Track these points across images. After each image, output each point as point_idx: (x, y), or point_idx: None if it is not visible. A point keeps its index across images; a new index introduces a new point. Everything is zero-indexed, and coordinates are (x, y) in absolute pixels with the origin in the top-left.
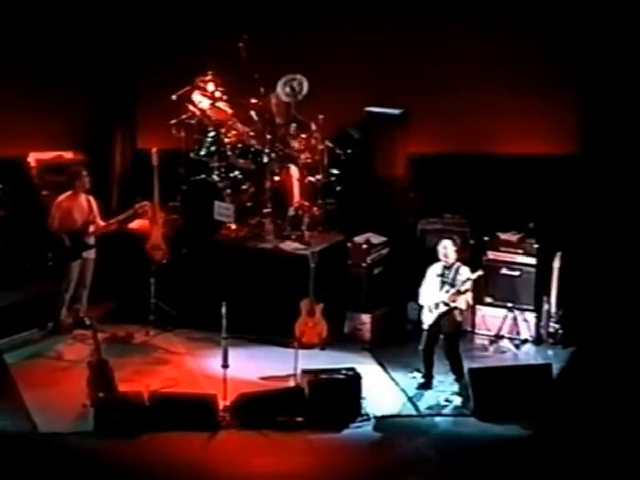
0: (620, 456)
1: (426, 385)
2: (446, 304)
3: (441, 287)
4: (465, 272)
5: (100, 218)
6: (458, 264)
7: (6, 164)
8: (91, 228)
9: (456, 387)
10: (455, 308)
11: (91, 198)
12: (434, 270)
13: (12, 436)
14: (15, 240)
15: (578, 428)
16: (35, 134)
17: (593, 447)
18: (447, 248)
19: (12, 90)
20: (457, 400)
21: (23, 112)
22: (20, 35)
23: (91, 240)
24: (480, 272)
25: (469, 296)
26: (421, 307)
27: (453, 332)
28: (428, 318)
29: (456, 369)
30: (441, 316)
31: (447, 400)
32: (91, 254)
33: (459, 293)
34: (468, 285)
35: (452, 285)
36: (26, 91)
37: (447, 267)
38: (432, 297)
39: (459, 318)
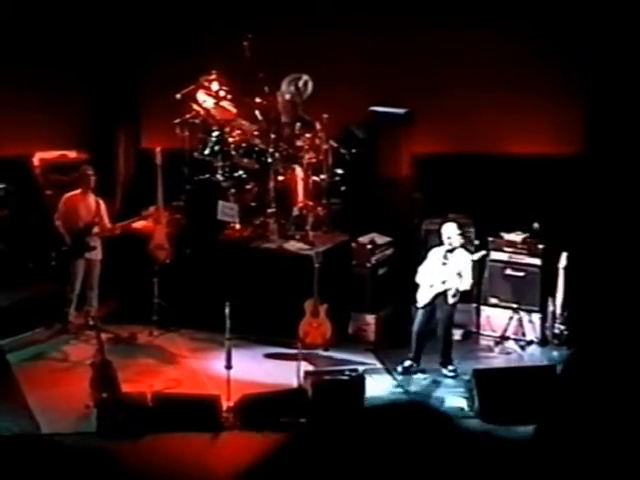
0: (624, 457)
1: (410, 368)
2: (445, 283)
3: (442, 270)
4: (466, 256)
5: (109, 222)
6: (460, 249)
7: (9, 163)
8: (95, 229)
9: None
10: (457, 290)
11: (100, 200)
12: (436, 253)
13: (15, 436)
14: (18, 239)
15: (583, 430)
16: (38, 133)
17: (597, 449)
18: (451, 232)
19: (15, 89)
20: (462, 401)
21: (26, 111)
22: (23, 35)
23: (93, 241)
24: (483, 252)
25: (469, 277)
26: (418, 286)
27: (447, 317)
28: (424, 297)
29: (445, 353)
30: (436, 296)
31: (445, 399)
32: (94, 255)
33: (460, 275)
34: (469, 267)
35: (452, 268)
36: (29, 90)
37: (449, 251)
38: (432, 276)
39: (451, 300)
